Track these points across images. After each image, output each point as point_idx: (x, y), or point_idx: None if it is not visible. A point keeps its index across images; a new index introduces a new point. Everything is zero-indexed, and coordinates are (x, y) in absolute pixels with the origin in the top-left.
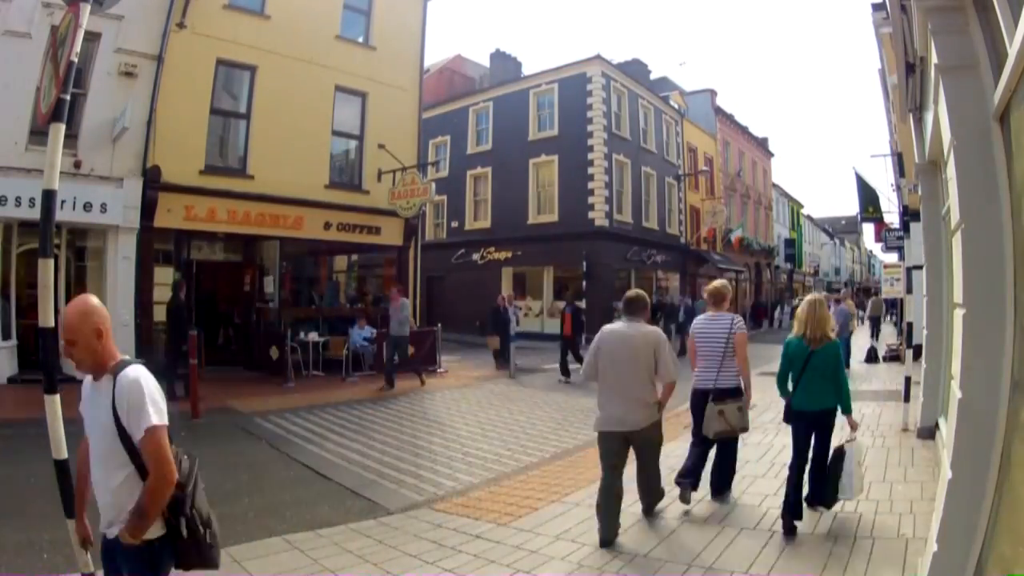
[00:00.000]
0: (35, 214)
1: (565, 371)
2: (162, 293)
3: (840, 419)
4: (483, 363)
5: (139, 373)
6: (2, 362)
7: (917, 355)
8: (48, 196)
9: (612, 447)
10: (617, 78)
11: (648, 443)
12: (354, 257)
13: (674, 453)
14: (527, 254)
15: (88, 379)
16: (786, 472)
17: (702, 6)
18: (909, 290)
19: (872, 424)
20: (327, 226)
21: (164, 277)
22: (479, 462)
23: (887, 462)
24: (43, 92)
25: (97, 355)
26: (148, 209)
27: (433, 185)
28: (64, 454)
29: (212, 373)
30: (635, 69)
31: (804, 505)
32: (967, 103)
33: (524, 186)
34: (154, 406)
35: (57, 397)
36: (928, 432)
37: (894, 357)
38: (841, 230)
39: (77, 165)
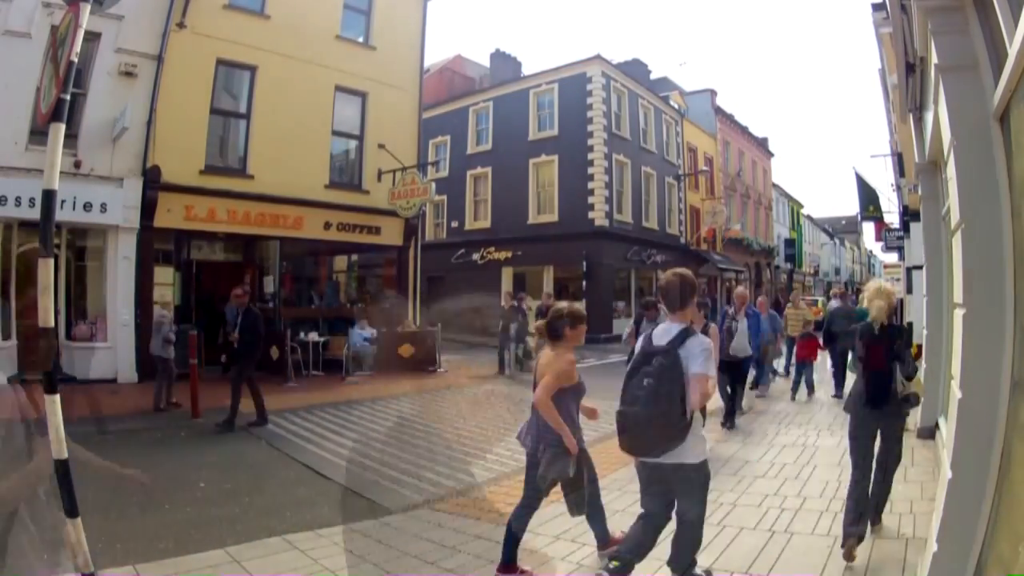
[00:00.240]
0: (35, 214)
1: None
2: (162, 293)
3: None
4: (483, 363)
5: None
6: (2, 362)
7: (917, 355)
8: (48, 196)
9: None
10: (617, 78)
11: None
12: (354, 257)
13: None
14: (527, 254)
15: None
16: (785, 472)
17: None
18: (909, 290)
19: None
20: (327, 226)
21: (164, 277)
22: (479, 462)
23: None
24: (43, 92)
25: None
26: (148, 209)
27: (433, 185)
28: (65, 454)
29: (212, 373)
30: (635, 69)
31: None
32: (967, 103)
33: (524, 186)
34: None
35: (57, 397)
36: (928, 432)
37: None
38: (841, 230)
39: (77, 165)
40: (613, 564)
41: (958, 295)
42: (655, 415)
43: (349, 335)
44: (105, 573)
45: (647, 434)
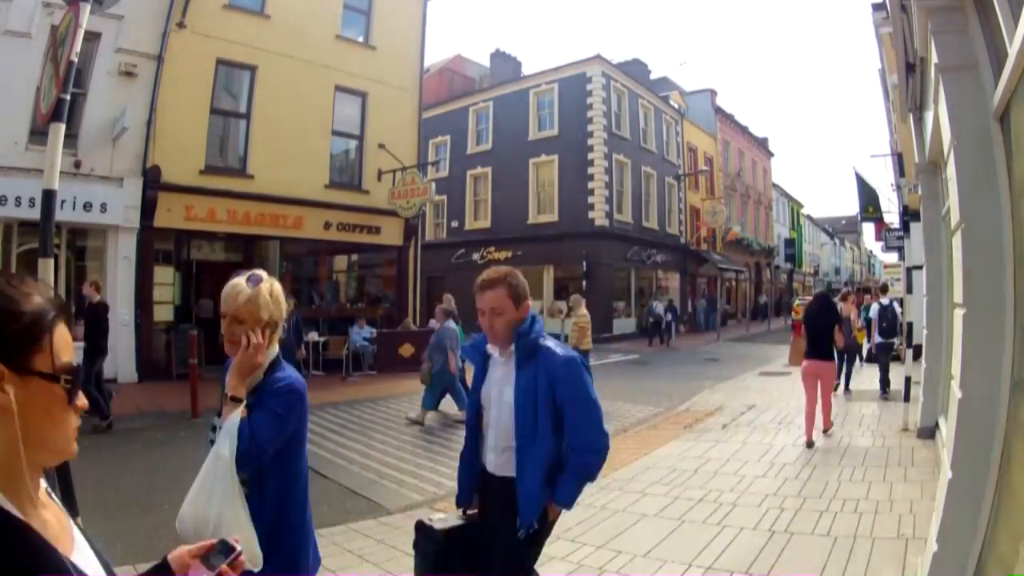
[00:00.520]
0: (35, 214)
1: None
2: (162, 293)
3: None
4: None
5: None
6: None
7: (917, 355)
8: (48, 196)
9: None
10: (617, 78)
11: None
12: (354, 257)
13: (674, 453)
14: (527, 254)
15: None
16: (785, 472)
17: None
18: (909, 290)
19: (872, 424)
20: (327, 226)
21: (164, 277)
22: None
23: (887, 462)
24: (43, 92)
25: None
26: (148, 209)
27: (433, 185)
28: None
29: (212, 373)
30: (635, 69)
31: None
32: (967, 103)
33: (524, 186)
34: None
35: None
36: (928, 432)
37: (894, 357)
38: (841, 230)
39: (77, 165)
40: None
41: (958, 295)
42: None
43: (349, 335)
44: None
45: None
